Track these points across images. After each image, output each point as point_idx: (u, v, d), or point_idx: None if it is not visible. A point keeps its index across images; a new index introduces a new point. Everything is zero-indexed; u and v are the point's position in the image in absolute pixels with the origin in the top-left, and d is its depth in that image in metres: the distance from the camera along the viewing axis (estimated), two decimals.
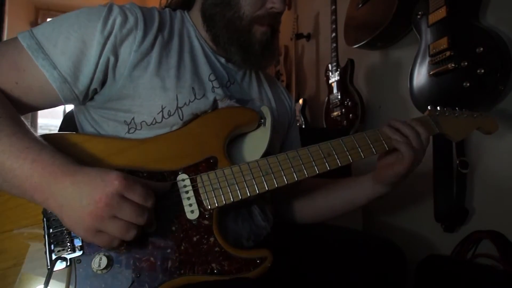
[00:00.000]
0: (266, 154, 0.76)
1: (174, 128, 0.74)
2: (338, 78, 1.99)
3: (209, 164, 0.71)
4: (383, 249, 0.89)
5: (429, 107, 0.91)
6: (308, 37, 2.74)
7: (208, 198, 0.68)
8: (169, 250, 0.63)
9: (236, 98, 0.84)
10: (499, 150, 1.25)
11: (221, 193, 0.68)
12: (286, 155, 0.74)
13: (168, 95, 0.74)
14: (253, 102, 0.89)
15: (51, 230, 0.62)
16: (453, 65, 1.22)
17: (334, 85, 2.02)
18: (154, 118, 0.73)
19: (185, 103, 0.75)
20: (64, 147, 0.64)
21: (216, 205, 0.67)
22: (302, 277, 0.83)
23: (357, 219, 1.76)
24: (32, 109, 0.73)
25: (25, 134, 0.60)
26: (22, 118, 0.66)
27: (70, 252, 0.61)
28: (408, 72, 1.44)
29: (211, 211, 0.67)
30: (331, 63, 2.06)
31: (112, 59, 0.71)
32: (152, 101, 0.73)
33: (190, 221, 0.66)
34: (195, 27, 0.86)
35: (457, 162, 1.32)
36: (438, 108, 0.91)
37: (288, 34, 3.03)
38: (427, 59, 1.34)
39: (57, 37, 0.69)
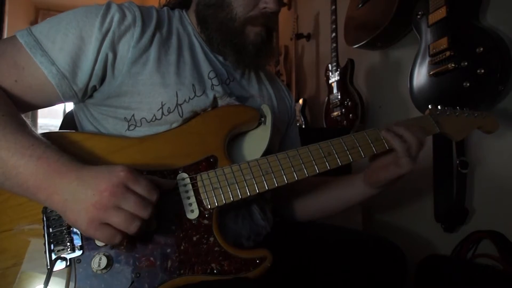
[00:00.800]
0: (266, 152, 0.76)
1: (174, 125, 0.74)
2: (338, 78, 1.99)
3: (209, 163, 0.71)
4: (383, 249, 0.89)
5: (429, 106, 0.91)
6: (308, 37, 2.74)
7: (208, 198, 0.68)
8: (168, 250, 0.63)
9: (236, 95, 0.83)
10: (499, 150, 1.25)
11: (221, 193, 0.68)
12: (286, 154, 0.74)
13: (168, 92, 0.74)
14: (253, 99, 0.89)
15: (51, 230, 0.62)
16: (453, 65, 1.22)
17: (334, 85, 2.02)
18: (154, 115, 0.73)
19: (184, 100, 0.75)
20: (65, 145, 0.64)
21: (216, 204, 0.67)
22: (302, 277, 0.83)
23: (357, 219, 1.75)
24: (32, 107, 0.73)
25: (29, 132, 0.60)
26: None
27: (70, 252, 0.61)
28: (408, 72, 1.44)
29: (211, 210, 0.67)
30: (331, 63, 2.06)
31: (110, 55, 0.71)
32: (152, 98, 0.73)
33: (190, 220, 0.66)
34: (193, 26, 0.86)
35: (457, 162, 1.32)
36: (439, 107, 0.91)
37: (288, 34, 3.03)
38: (427, 59, 1.34)
39: (55, 34, 0.69)
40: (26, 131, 0.60)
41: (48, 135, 0.66)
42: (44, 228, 0.62)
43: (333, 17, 2.06)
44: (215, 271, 0.63)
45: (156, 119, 0.73)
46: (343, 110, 1.94)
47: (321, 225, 1.02)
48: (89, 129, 0.80)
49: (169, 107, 0.73)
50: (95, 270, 0.60)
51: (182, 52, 0.79)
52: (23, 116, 0.66)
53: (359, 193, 0.92)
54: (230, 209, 0.76)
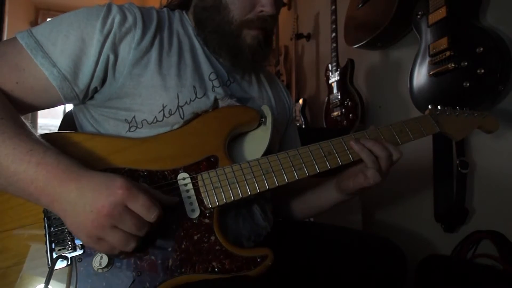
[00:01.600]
0: (266, 153, 0.76)
1: (175, 126, 0.74)
2: (338, 78, 2.00)
3: (210, 163, 0.71)
4: (383, 249, 0.89)
5: (429, 106, 0.91)
6: (308, 37, 2.74)
7: (208, 197, 0.68)
8: (170, 249, 0.63)
9: (236, 96, 0.83)
10: (499, 150, 1.25)
11: (222, 192, 0.68)
12: (286, 154, 0.74)
13: (169, 94, 0.74)
14: (253, 101, 0.89)
15: (51, 229, 0.62)
16: (453, 65, 1.22)
17: (334, 85, 2.03)
18: (155, 117, 0.73)
19: (186, 102, 0.75)
20: (65, 147, 0.64)
21: (217, 203, 0.67)
22: (302, 277, 0.83)
23: (357, 219, 1.76)
24: (33, 109, 0.73)
25: (28, 135, 0.60)
26: (23, 118, 0.65)
27: (71, 250, 0.61)
28: (408, 72, 1.44)
29: (212, 209, 0.67)
30: (331, 63, 2.06)
31: (112, 57, 0.71)
32: (153, 100, 0.73)
33: (190, 219, 0.66)
34: (193, 27, 0.86)
35: (457, 162, 1.32)
36: (439, 107, 0.91)
37: (288, 34, 3.03)
38: (427, 59, 1.34)
39: (56, 36, 0.69)
40: (25, 134, 0.60)
41: (48, 136, 0.65)
42: (45, 228, 0.62)
43: (333, 17, 2.06)
44: (216, 270, 0.63)
45: (157, 120, 0.73)
46: (343, 110, 1.94)
47: (321, 225, 1.02)
48: (89, 130, 0.80)
49: (170, 109, 0.73)
50: (96, 269, 0.60)
51: (183, 53, 0.79)
52: (22, 117, 0.66)
53: (331, 199, 0.92)
54: (231, 209, 0.77)
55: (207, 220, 0.67)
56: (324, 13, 2.53)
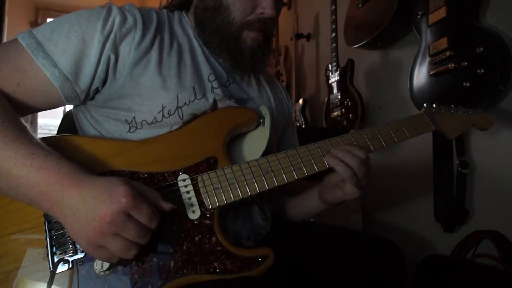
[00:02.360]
0: (265, 153, 0.76)
1: (174, 127, 0.74)
2: (338, 78, 2.00)
3: (210, 164, 0.71)
4: (383, 249, 0.89)
5: (425, 105, 0.92)
6: (308, 37, 2.74)
7: (209, 198, 0.68)
8: (171, 251, 0.63)
9: (235, 97, 0.84)
10: (499, 150, 1.25)
11: (222, 192, 0.68)
12: (285, 154, 0.74)
13: (169, 95, 0.74)
14: (252, 101, 0.89)
15: (52, 233, 0.61)
16: (453, 65, 1.22)
17: (334, 85, 2.03)
18: (155, 117, 0.73)
19: (185, 103, 0.75)
20: (65, 150, 0.64)
21: (217, 204, 0.68)
22: (302, 277, 0.83)
23: (357, 219, 1.76)
24: (34, 110, 0.73)
25: (30, 139, 0.60)
26: (22, 120, 0.65)
27: (72, 254, 0.61)
28: (408, 72, 1.45)
29: (213, 210, 0.67)
30: (331, 63, 2.06)
31: (112, 57, 0.71)
32: (153, 100, 0.73)
33: (191, 221, 0.66)
34: (193, 28, 0.86)
35: (457, 162, 1.33)
36: (434, 105, 0.92)
37: (288, 34, 3.03)
38: (427, 59, 1.34)
39: (57, 37, 0.69)
40: (26, 138, 0.60)
41: (49, 140, 0.65)
42: (45, 231, 0.61)
43: (333, 17, 2.06)
44: (217, 270, 0.63)
45: (156, 121, 0.73)
46: (343, 110, 1.94)
47: (321, 225, 1.03)
48: (89, 131, 0.80)
49: (169, 110, 0.74)
50: (97, 272, 0.60)
51: (182, 54, 0.80)
52: (22, 119, 0.66)
53: (313, 207, 0.91)
54: (230, 210, 0.77)
55: (207, 221, 0.67)
56: (324, 13, 2.53)
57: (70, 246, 0.61)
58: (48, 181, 0.56)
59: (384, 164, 1.76)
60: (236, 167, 0.71)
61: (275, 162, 0.73)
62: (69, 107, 0.89)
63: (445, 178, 1.40)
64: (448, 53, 1.24)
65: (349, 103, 1.91)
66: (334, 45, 2.04)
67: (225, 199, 0.68)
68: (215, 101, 0.79)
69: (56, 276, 0.59)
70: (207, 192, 0.68)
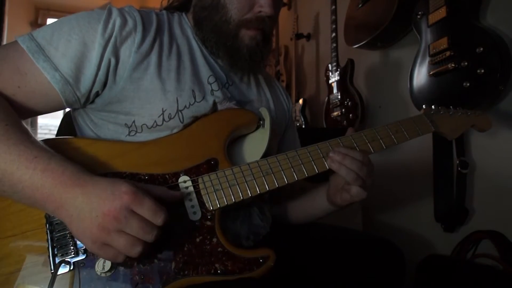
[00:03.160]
0: (265, 155, 0.77)
1: (175, 130, 0.74)
2: (338, 78, 2.00)
3: (210, 166, 0.71)
4: (382, 249, 0.90)
5: (424, 106, 0.92)
6: (308, 37, 2.74)
7: (210, 199, 0.68)
8: (172, 252, 0.63)
9: (235, 99, 0.84)
10: (499, 150, 1.25)
11: (223, 194, 0.69)
12: (285, 155, 0.74)
13: (168, 98, 0.74)
14: (252, 103, 0.89)
15: (54, 234, 0.62)
16: (453, 65, 1.22)
17: (334, 85, 2.03)
18: (155, 121, 0.73)
19: (185, 106, 0.75)
20: (66, 152, 0.64)
21: (218, 205, 0.68)
22: (302, 277, 0.83)
23: (357, 219, 1.76)
24: (35, 113, 0.72)
25: (32, 142, 0.60)
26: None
27: (73, 255, 0.61)
28: (408, 72, 1.45)
29: (213, 212, 0.68)
30: (331, 63, 2.06)
31: (113, 60, 0.71)
32: (153, 104, 0.73)
33: (192, 222, 0.66)
34: (192, 29, 0.86)
35: (457, 162, 1.33)
36: (433, 107, 0.92)
37: (288, 34, 3.03)
38: (427, 59, 1.34)
39: (58, 40, 0.68)
40: (29, 141, 0.60)
41: (51, 142, 0.66)
42: (47, 233, 0.62)
43: (333, 17, 2.06)
44: (219, 271, 0.63)
45: (157, 125, 0.73)
46: (343, 110, 1.94)
47: (321, 225, 1.03)
48: (88, 134, 0.79)
49: (170, 113, 0.74)
50: (99, 273, 0.60)
51: (182, 57, 0.79)
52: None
53: (323, 208, 0.91)
54: (229, 210, 0.77)
55: (208, 222, 0.67)
56: (324, 13, 2.53)
57: (72, 247, 0.61)
58: (53, 183, 0.56)
59: (384, 164, 1.76)
60: (237, 168, 0.71)
61: (276, 164, 0.73)
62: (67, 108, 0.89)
63: (445, 178, 1.40)
64: (448, 53, 1.24)
65: (349, 103, 1.91)
66: (334, 45, 2.04)
67: (226, 201, 0.68)
68: (215, 103, 0.79)
69: (58, 278, 0.59)
70: (208, 193, 0.68)
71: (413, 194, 1.65)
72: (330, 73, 2.07)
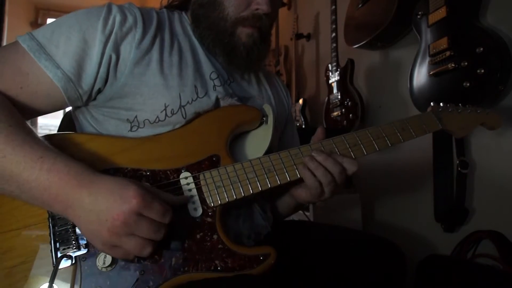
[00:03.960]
0: (267, 152, 0.77)
1: (177, 126, 0.74)
2: (338, 78, 2.00)
3: (212, 162, 0.71)
4: (383, 249, 0.89)
5: (432, 103, 0.91)
6: (308, 37, 2.74)
7: (211, 196, 0.68)
8: (172, 248, 0.63)
9: (237, 96, 0.84)
10: (499, 150, 1.26)
11: (224, 191, 0.69)
12: (288, 152, 0.74)
13: (171, 94, 0.74)
14: (253, 100, 0.89)
15: (56, 228, 0.62)
16: (453, 65, 1.22)
17: (334, 85, 2.03)
18: (157, 117, 0.73)
19: (188, 102, 0.75)
20: (67, 148, 0.64)
21: (219, 202, 0.68)
22: (302, 277, 0.83)
23: (357, 219, 1.76)
24: (38, 113, 0.72)
25: (37, 142, 0.60)
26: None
27: (75, 250, 0.61)
28: (408, 72, 1.45)
29: (214, 208, 0.68)
30: (331, 63, 2.07)
31: (113, 57, 0.71)
32: (155, 99, 0.73)
33: (193, 218, 0.66)
34: (192, 27, 0.86)
35: (457, 162, 1.33)
36: (441, 104, 0.91)
37: (288, 34, 3.04)
38: (427, 59, 1.34)
39: (58, 38, 0.68)
40: (34, 141, 0.60)
41: (51, 138, 0.66)
42: (49, 227, 0.62)
43: (333, 17, 2.06)
44: (219, 268, 0.64)
45: (159, 120, 0.73)
46: (343, 110, 1.95)
47: (321, 225, 1.03)
48: (89, 131, 0.79)
49: (172, 109, 0.74)
50: (100, 268, 0.60)
51: (183, 53, 0.80)
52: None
53: (289, 203, 0.92)
54: (231, 209, 0.77)
55: (209, 219, 0.67)
56: (324, 13, 2.54)
57: (73, 242, 0.61)
58: (59, 183, 0.57)
59: (384, 164, 1.77)
60: (239, 165, 0.71)
61: (278, 161, 0.73)
62: (69, 107, 0.89)
63: (445, 178, 1.40)
64: (448, 53, 1.24)
65: (349, 103, 1.91)
66: (334, 45, 2.04)
67: (227, 197, 0.68)
68: (217, 99, 0.79)
69: (59, 271, 0.59)
70: (209, 190, 0.68)
71: (413, 194, 1.65)
72: (330, 73, 2.07)
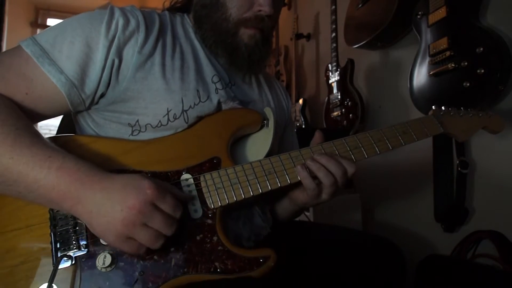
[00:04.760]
0: (268, 155, 0.77)
1: (179, 130, 0.74)
2: (338, 78, 2.00)
3: (213, 164, 0.71)
4: (382, 249, 0.90)
5: (433, 107, 0.91)
6: (308, 37, 2.74)
7: (211, 197, 0.68)
8: (172, 249, 0.63)
9: (238, 99, 0.84)
10: (499, 150, 1.26)
11: (224, 192, 0.69)
12: (288, 155, 0.74)
13: (174, 98, 0.74)
14: (254, 104, 0.89)
15: (57, 229, 0.62)
16: (453, 65, 1.22)
17: (334, 85, 2.03)
18: (160, 121, 0.73)
19: (190, 106, 0.75)
20: (72, 149, 0.64)
21: (219, 204, 0.68)
22: (302, 277, 0.83)
23: (357, 219, 1.76)
24: (43, 118, 0.72)
25: (45, 144, 0.60)
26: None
27: (75, 250, 0.61)
28: (408, 72, 1.45)
29: (214, 210, 0.68)
30: (331, 63, 2.07)
31: (116, 61, 0.71)
32: (157, 104, 0.73)
33: (193, 220, 0.67)
34: (194, 29, 0.86)
35: (457, 162, 1.33)
36: (443, 107, 0.91)
37: (288, 34, 3.04)
38: (427, 59, 1.34)
39: (61, 43, 0.68)
40: (41, 143, 0.60)
41: (54, 139, 0.66)
42: (50, 227, 0.62)
43: (333, 17, 2.06)
44: (218, 270, 0.64)
45: (162, 124, 0.73)
46: (343, 110, 1.95)
47: (321, 225, 1.03)
48: (89, 134, 0.79)
49: (175, 113, 0.73)
50: (99, 268, 0.60)
51: (185, 57, 0.79)
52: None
53: (288, 207, 0.91)
54: (231, 211, 0.77)
55: (209, 221, 0.67)
56: (324, 13, 2.54)
57: (74, 242, 0.62)
58: (69, 180, 0.57)
59: (384, 164, 1.77)
60: (239, 167, 0.71)
61: (278, 163, 0.73)
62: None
63: (445, 178, 1.40)
64: (448, 53, 1.24)
65: (349, 103, 1.91)
66: (334, 45, 2.04)
67: (227, 199, 0.68)
68: (219, 103, 0.79)
69: (59, 271, 0.59)
70: (209, 192, 0.68)
71: (413, 194, 1.65)
72: (330, 73, 2.07)
